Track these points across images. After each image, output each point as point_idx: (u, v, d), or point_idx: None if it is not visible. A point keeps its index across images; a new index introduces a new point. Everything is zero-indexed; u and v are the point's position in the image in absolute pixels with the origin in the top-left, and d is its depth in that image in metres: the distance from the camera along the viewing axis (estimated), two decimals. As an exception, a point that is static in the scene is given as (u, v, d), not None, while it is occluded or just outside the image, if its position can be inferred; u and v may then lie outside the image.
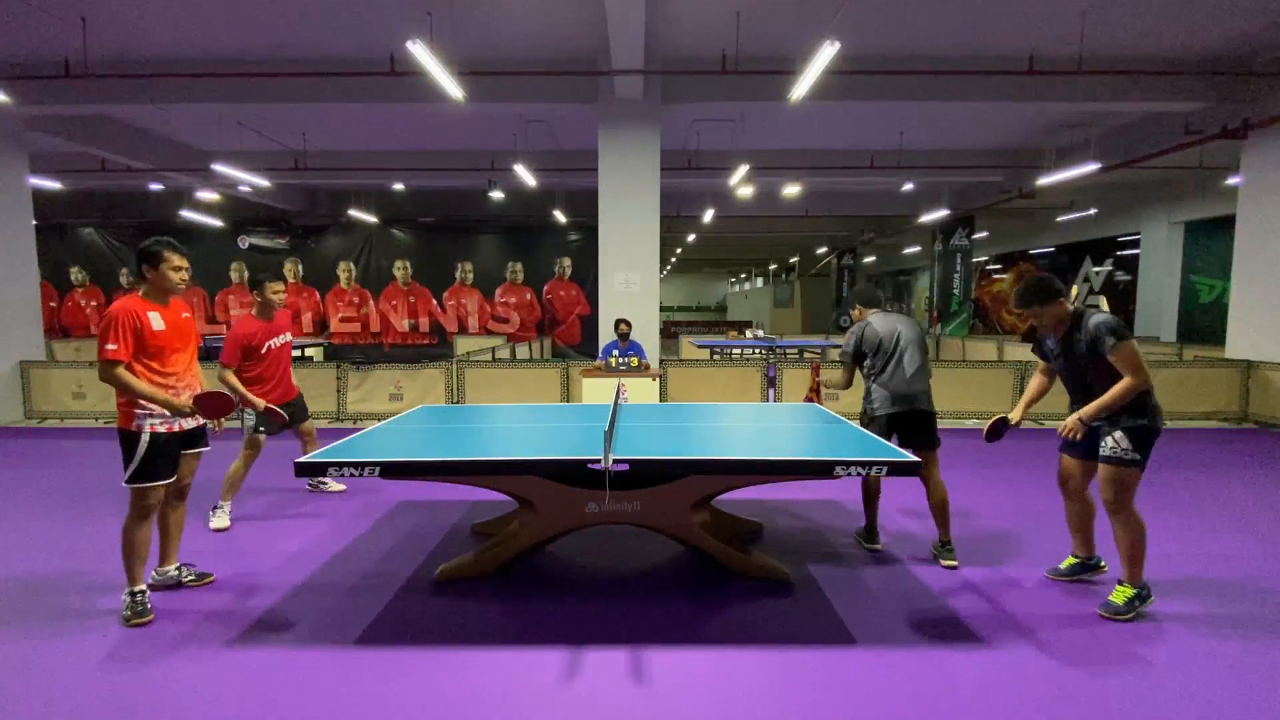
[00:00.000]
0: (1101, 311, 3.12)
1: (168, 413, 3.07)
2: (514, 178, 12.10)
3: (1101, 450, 3.07)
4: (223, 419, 3.26)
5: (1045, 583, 3.47)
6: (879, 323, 3.87)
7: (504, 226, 15.67)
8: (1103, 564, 3.56)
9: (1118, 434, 3.02)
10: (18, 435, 7.57)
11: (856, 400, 7.36)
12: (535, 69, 8.22)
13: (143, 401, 3.02)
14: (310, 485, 5.23)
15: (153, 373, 3.05)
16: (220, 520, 4.35)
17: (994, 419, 3.36)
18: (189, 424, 3.22)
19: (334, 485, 5.22)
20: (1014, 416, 3.37)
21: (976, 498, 4.92)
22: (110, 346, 2.92)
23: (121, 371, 2.95)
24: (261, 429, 4.47)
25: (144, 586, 3.14)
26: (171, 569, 3.41)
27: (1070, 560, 3.58)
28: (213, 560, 3.77)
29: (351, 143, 12.48)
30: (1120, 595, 3.06)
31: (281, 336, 4.58)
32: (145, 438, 3.03)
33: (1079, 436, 3.07)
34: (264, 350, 4.42)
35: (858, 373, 4.00)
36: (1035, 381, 3.50)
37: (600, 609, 3.18)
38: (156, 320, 3.06)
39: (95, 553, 3.90)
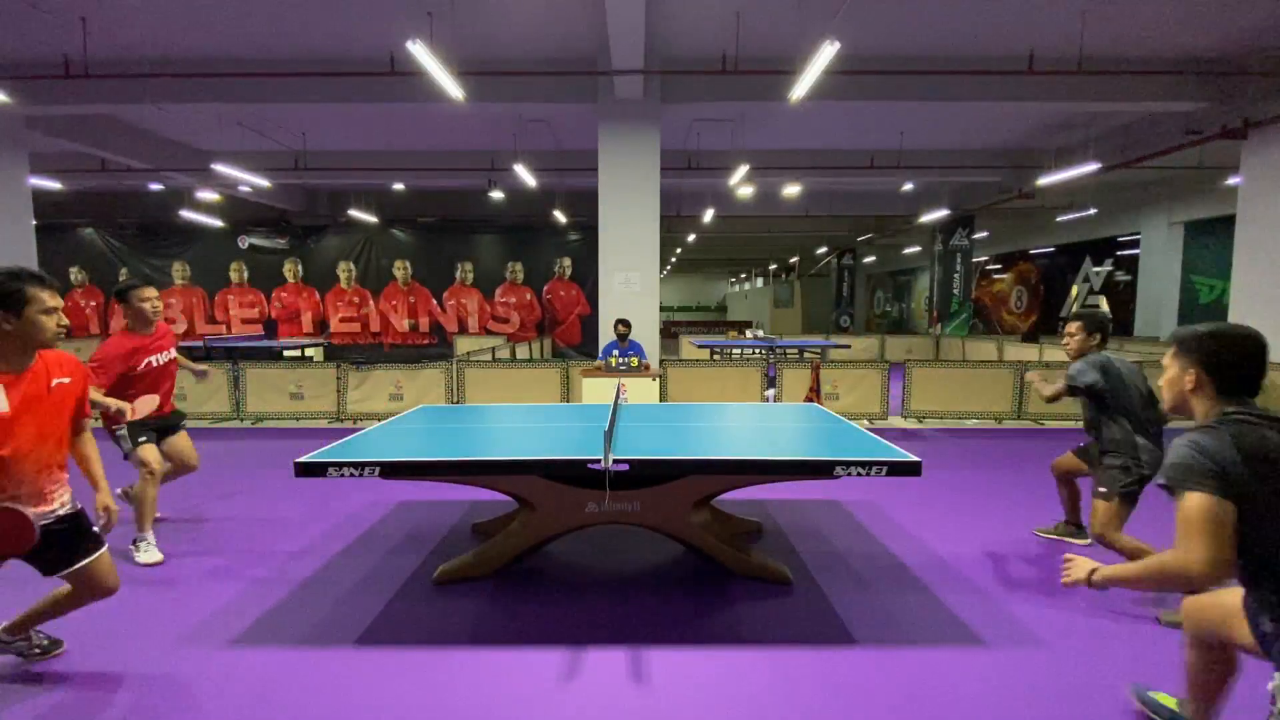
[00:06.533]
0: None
1: None
2: (514, 178, 12.10)
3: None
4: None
5: (1044, 584, 3.47)
6: (1120, 362, 3.33)
7: (504, 226, 15.67)
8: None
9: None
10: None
11: (856, 400, 7.26)
12: (535, 69, 8.21)
13: None
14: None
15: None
16: (149, 554, 3.72)
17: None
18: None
19: (149, 551, 3.78)
20: None
21: (976, 498, 4.92)
22: None
23: None
24: (142, 439, 3.84)
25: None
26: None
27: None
28: (212, 560, 3.77)
29: (351, 143, 12.48)
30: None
31: (165, 354, 3.96)
32: None
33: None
34: (141, 369, 3.81)
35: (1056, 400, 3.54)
36: None
37: (600, 609, 3.17)
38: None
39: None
